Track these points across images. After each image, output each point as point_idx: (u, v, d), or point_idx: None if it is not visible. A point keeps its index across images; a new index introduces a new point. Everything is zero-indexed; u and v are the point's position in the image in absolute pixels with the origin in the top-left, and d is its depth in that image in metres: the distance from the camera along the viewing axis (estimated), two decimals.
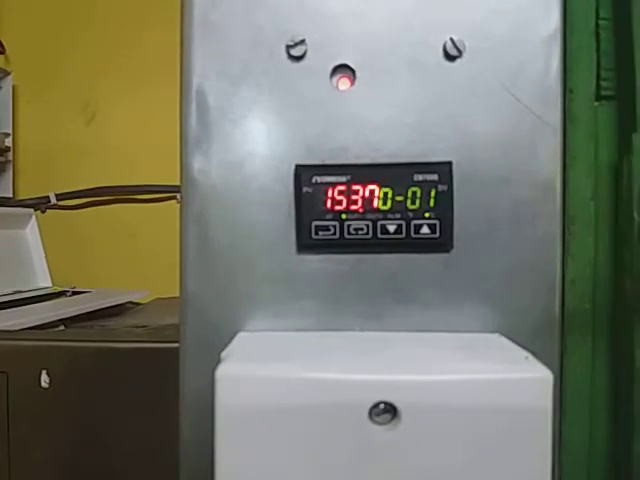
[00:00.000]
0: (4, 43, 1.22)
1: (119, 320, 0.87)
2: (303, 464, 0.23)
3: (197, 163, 0.31)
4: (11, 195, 1.20)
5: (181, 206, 0.31)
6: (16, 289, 1.00)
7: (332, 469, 0.23)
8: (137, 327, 0.76)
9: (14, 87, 1.20)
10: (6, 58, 1.23)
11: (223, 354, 0.26)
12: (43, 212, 1.21)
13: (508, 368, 0.24)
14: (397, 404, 0.23)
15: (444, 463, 0.23)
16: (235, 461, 0.24)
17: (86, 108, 1.21)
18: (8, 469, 0.50)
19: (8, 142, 1.18)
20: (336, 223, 0.30)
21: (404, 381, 0.23)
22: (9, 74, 1.19)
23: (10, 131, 1.19)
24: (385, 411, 0.23)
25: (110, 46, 1.18)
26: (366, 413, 0.23)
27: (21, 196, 1.22)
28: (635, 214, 0.29)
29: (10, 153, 1.19)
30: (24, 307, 0.87)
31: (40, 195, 1.20)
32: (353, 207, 0.30)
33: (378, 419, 0.23)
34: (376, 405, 0.23)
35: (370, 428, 0.23)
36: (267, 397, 0.23)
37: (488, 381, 0.23)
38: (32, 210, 1.15)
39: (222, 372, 0.24)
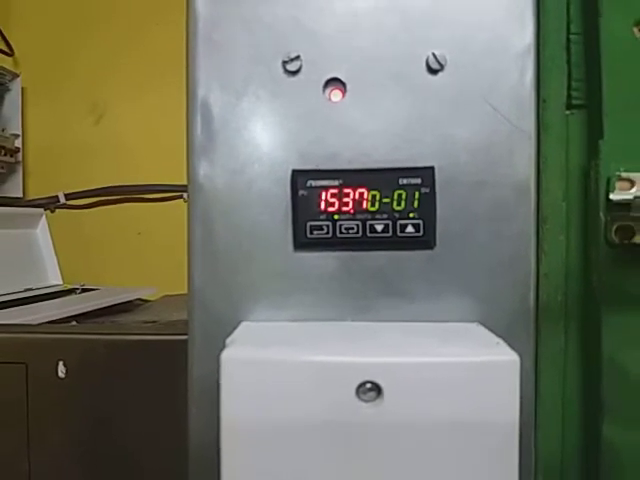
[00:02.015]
0: (13, 46, 1.24)
1: (129, 316, 0.89)
2: (297, 435, 0.26)
3: (202, 169, 0.34)
4: (21, 195, 1.23)
5: (188, 208, 0.34)
6: (28, 287, 1.02)
7: (324, 439, 0.26)
8: (146, 323, 0.79)
9: (23, 89, 1.22)
10: (15, 60, 1.25)
11: (227, 341, 0.29)
12: (52, 212, 1.23)
13: (480, 352, 0.27)
14: (381, 383, 0.26)
15: (422, 434, 0.26)
16: (238, 437, 0.27)
17: (94, 109, 1.23)
18: (27, 453, 0.54)
19: (18, 143, 1.20)
20: (329, 223, 0.33)
21: (387, 363, 0.26)
22: (18, 76, 1.21)
23: (19, 132, 1.20)
24: (370, 390, 0.26)
25: (117, 47, 1.20)
26: (353, 391, 0.26)
27: (31, 196, 1.24)
28: (601, 214, 0.32)
29: (20, 154, 1.21)
30: (37, 304, 0.90)
31: (49, 195, 1.22)
32: (344, 208, 0.33)
33: (364, 397, 0.26)
34: (362, 384, 0.26)
35: (357, 404, 0.26)
36: (267, 377, 0.26)
37: (461, 363, 0.26)
38: (42, 210, 1.17)
39: (227, 355, 0.27)
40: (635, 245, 0.32)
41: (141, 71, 1.19)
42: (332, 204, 0.32)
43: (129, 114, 1.21)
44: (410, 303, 0.33)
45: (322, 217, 0.33)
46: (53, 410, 0.54)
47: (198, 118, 0.34)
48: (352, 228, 0.32)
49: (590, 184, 0.33)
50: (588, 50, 0.33)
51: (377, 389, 0.26)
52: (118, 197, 1.23)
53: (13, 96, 1.21)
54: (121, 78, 1.20)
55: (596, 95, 0.33)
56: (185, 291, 0.34)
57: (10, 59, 1.24)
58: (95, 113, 1.24)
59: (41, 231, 1.14)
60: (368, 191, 0.32)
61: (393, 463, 0.26)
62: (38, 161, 1.25)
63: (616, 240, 0.32)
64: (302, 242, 0.33)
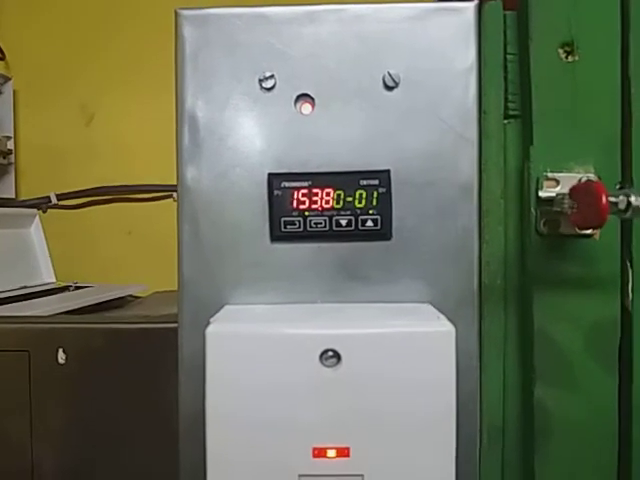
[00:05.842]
0: (4, 50, 1.27)
1: (121, 312, 0.92)
2: (272, 395, 0.31)
3: (190, 173, 0.38)
4: (13, 196, 1.25)
5: (177, 208, 0.39)
6: (23, 284, 1.05)
7: (293, 399, 0.31)
8: (139, 317, 0.83)
9: (15, 92, 1.24)
10: (6, 64, 1.28)
11: (211, 319, 0.34)
12: (44, 212, 1.26)
13: (421, 324, 0.32)
14: (340, 351, 0.31)
15: (373, 393, 0.31)
16: (221, 399, 0.32)
17: (85, 111, 1.26)
18: (30, 435, 0.58)
19: (10, 145, 1.22)
20: (300, 219, 0.38)
21: (344, 334, 0.31)
22: (10, 79, 1.23)
23: (12, 134, 1.23)
24: (331, 356, 0.31)
25: (108, 49, 1.23)
26: (317, 358, 0.31)
27: (23, 197, 1.26)
28: (532, 209, 0.37)
29: (12, 155, 1.23)
30: (33, 300, 0.93)
31: (41, 195, 1.25)
32: (314, 206, 0.37)
33: (327, 362, 0.31)
34: (325, 352, 0.31)
35: (321, 369, 0.31)
36: (245, 348, 0.31)
37: (405, 332, 0.31)
38: (36, 210, 1.20)
39: (210, 330, 0.32)
40: (561, 235, 0.37)
41: (131, 72, 1.22)
42: (303, 202, 0.37)
43: (120, 115, 1.23)
44: (370, 287, 0.38)
45: (294, 214, 0.38)
46: (54, 394, 0.58)
47: (186, 128, 0.38)
48: (320, 223, 0.37)
49: (524, 183, 0.38)
50: (522, 68, 0.39)
51: (337, 356, 0.31)
52: (108, 197, 1.25)
53: (5, 99, 1.23)
54: (112, 80, 1.23)
55: (528, 107, 0.38)
56: (174, 288, 0.39)
57: (2, 63, 1.26)
58: (86, 115, 1.26)
59: (35, 231, 1.17)
60: (334, 191, 0.37)
61: (350, 416, 0.31)
62: (30, 162, 1.27)
63: (545, 231, 0.37)
64: (277, 235, 0.38)
